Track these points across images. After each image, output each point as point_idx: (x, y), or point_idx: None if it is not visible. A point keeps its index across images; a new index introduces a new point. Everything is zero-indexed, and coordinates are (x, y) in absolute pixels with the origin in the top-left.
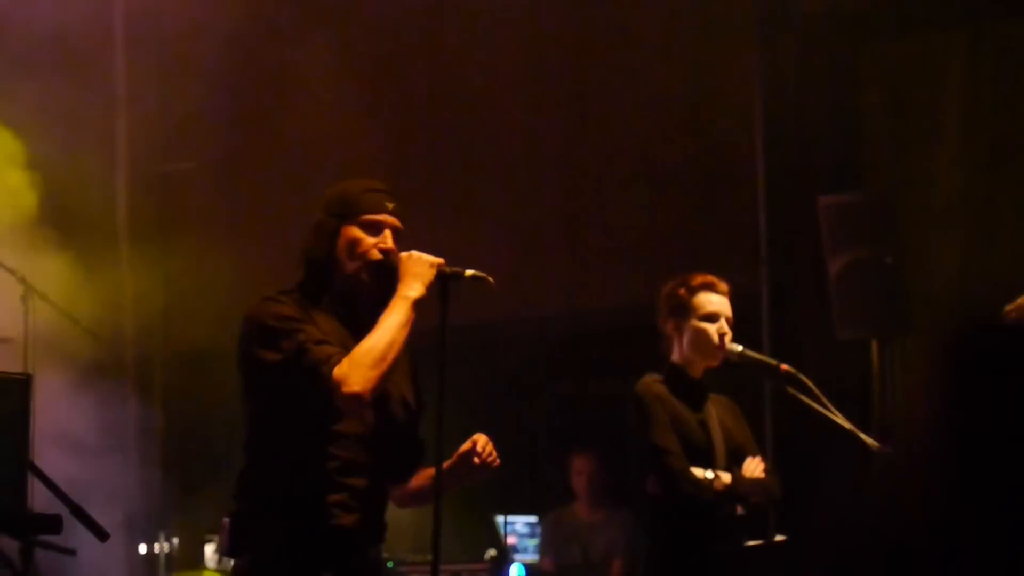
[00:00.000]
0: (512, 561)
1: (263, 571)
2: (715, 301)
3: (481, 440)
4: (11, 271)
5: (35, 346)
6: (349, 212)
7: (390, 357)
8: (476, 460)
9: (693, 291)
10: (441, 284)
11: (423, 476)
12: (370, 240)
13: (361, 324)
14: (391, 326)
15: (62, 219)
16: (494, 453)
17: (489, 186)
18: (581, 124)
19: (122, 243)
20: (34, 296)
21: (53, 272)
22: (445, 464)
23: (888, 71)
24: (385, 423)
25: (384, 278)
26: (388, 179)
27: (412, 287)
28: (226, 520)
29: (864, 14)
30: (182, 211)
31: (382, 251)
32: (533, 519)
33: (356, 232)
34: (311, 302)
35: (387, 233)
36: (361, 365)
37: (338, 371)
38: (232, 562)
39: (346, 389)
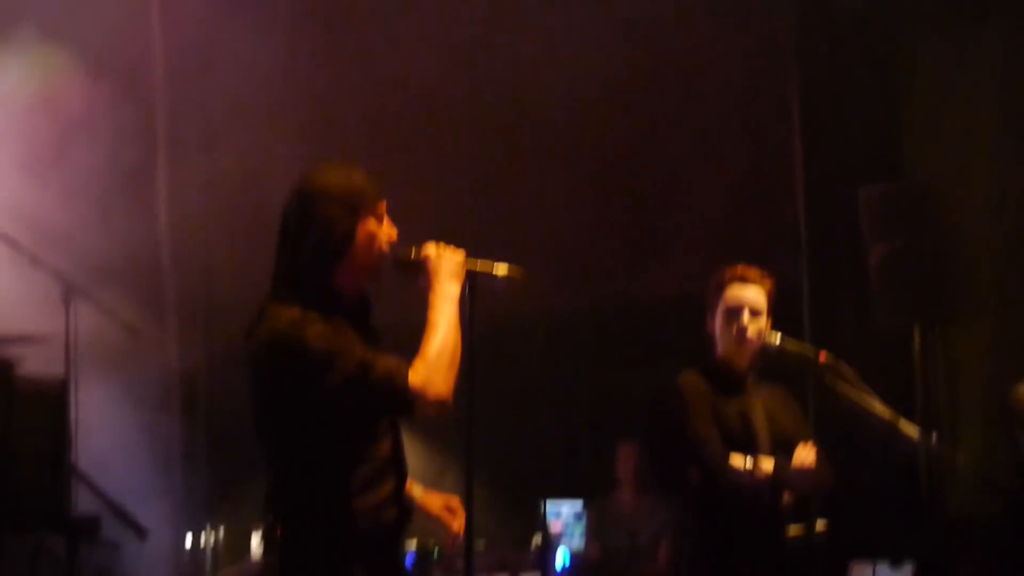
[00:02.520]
0: (558, 547)
1: (313, 572)
2: (742, 293)
3: (459, 522)
4: (53, 269)
5: (78, 345)
6: (364, 203)
7: (458, 357)
8: (455, 528)
9: (723, 285)
10: (470, 283)
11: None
12: (383, 231)
13: (361, 315)
14: (450, 326)
15: (106, 215)
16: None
17: (531, 178)
18: (615, 116)
19: (164, 241)
20: (76, 294)
21: (94, 270)
22: (424, 502)
23: (927, 62)
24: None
25: (408, 274)
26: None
27: (452, 286)
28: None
29: (903, 8)
30: (224, 207)
31: (392, 243)
32: (579, 505)
33: (373, 225)
34: (322, 312)
35: (388, 220)
36: (439, 369)
37: (416, 379)
38: None
39: (431, 395)
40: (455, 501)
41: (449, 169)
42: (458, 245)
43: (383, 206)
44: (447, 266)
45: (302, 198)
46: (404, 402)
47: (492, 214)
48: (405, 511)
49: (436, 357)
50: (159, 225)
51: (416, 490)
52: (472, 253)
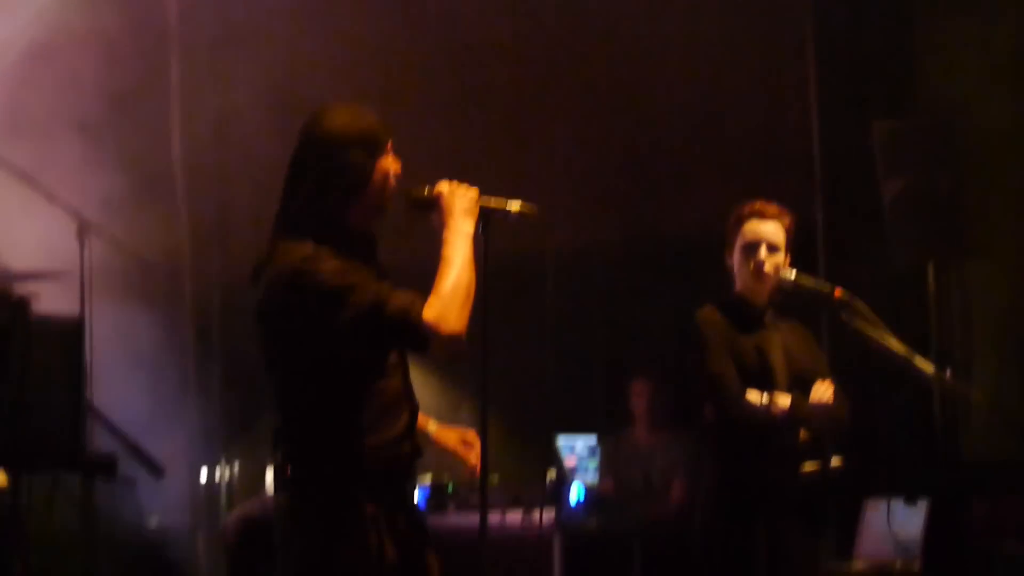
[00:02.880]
0: (572, 482)
1: (322, 510)
2: (759, 228)
3: (475, 454)
4: (66, 204)
5: (92, 279)
6: (379, 144)
7: (472, 294)
8: (471, 461)
9: (741, 220)
10: (483, 220)
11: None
12: (394, 169)
13: (366, 250)
14: (464, 262)
15: (119, 148)
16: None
17: (545, 113)
18: (636, 53)
19: (178, 173)
20: (90, 229)
21: (109, 204)
22: (439, 437)
23: None
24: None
25: (421, 211)
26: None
27: (466, 223)
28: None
29: None
30: (238, 139)
31: (401, 183)
32: (593, 440)
33: (387, 163)
34: (334, 248)
35: (393, 156)
36: (453, 305)
37: (431, 315)
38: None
39: (445, 331)
40: (471, 435)
41: (472, 102)
42: (479, 181)
43: (390, 143)
44: (461, 203)
45: (317, 139)
46: (418, 337)
47: (515, 149)
48: (416, 447)
49: (450, 293)
50: (173, 157)
51: (431, 425)
52: (494, 188)
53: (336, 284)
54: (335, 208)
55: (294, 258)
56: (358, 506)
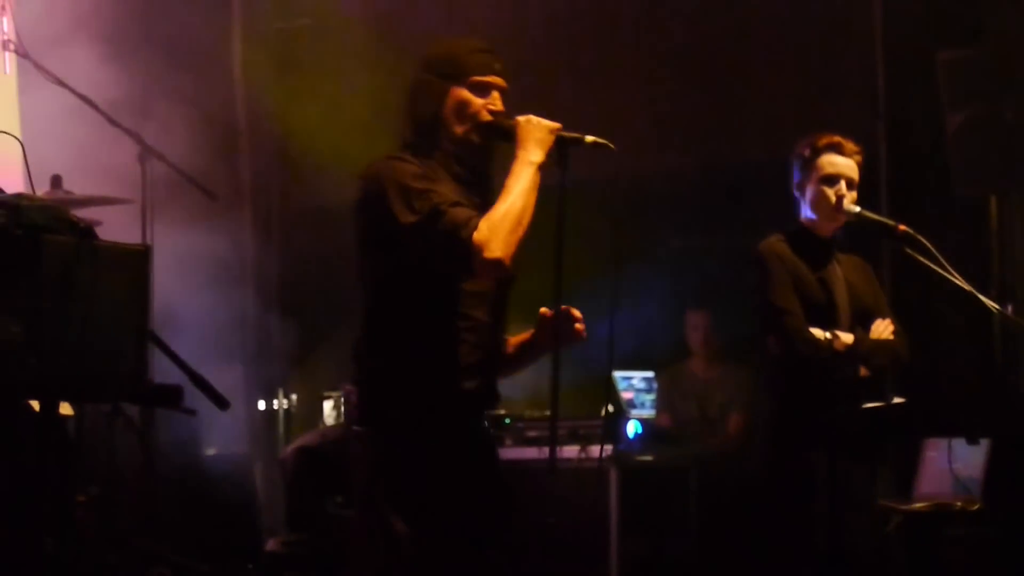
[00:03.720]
0: (629, 418)
1: (394, 440)
2: (838, 162)
3: (576, 311)
4: (128, 131)
5: (153, 206)
6: (458, 72)
7: (525, 222)
8: (578, 326)
9: (818, 152)
10: (560, 149)
11: (511, 343)
12: (479, 101)
13: (473, 185)
14: (522, 191)
15: (178, 76)
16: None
17: (615, 43)
18: None
19: (239, 100)
20: (151, 155)
21: (169, 130)
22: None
23: None
24: (501, 283)
25: (497, 139)
26: (509, 42)
27: (534, 152)
28: (349, 388)
29: None
30: (298, 67)
31: (493, 112)
32: (650, 375)
33: (465, 94)
34: (426, 163)
35: (496, 95)
36: (501, 230)
37: (478, 235)
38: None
39: (488, 254)
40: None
41: (545, 40)
42: (553, 117)
43: (491, 79)
44: (534, 134)
45: (417, 66)
46: (463, 254)
47: (586, 85)
48: (489, 388)
49: (501, 218)
50: (235, 88)
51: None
52: (567, 124)
53: (408, 185)
54: (422, 130)
55: (380, 162)
56: (423, 434)
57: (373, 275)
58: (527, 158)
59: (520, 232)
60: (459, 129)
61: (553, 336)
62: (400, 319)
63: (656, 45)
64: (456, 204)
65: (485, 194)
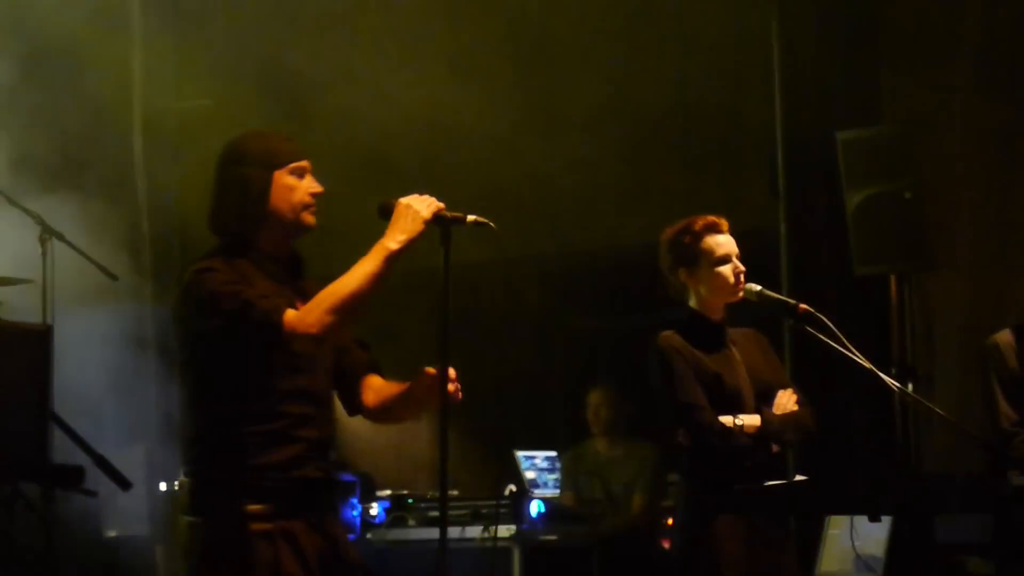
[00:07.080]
0: (532, 498)
1: (219, 531)
2: (723, 242)
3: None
4: (29, 212)
5: (54, 287)
6: (278, 161)
7: (351, 305)
8: (452, 387)
9: (699, 236)
10: (443, 229)
11: (384, 393)
12: (302, 184)
13: (288, 281)
14: (361, 273)
15: (77, 159)
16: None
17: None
18: (603, 58)
19: (139, 180)
20: (52, 237)
21: (70, 212)
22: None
23: (905, 5)
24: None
25: (380, 216)
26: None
27: (394, 239)
28: (183, 478)
29: None
30: (199, 148)
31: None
32: (552, 454)
33: (289, 179)
34: (239, 262)
35: (310, 176)
36: (318, 307)
37: (288, 316)
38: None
39: (301, 330)
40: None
41: None
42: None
43: (305, 163)
44: (403, 219)
45: (220, 159)
46: (279, 336)
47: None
48: (324, 470)
49: (323, 296)
50: (135, 166)
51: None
52: (451, 201)
53: (213, 291)
54: (238, 224)
55: (192, 273)
56: (246, 523)
57: (192, 372)
58: (384, 243)
59: (343, 314)
60: (289, 215)
61: (434, 393)
62: (219, 414)
63: (560, 120)
64: (263, 296)
65: (292, 273)
